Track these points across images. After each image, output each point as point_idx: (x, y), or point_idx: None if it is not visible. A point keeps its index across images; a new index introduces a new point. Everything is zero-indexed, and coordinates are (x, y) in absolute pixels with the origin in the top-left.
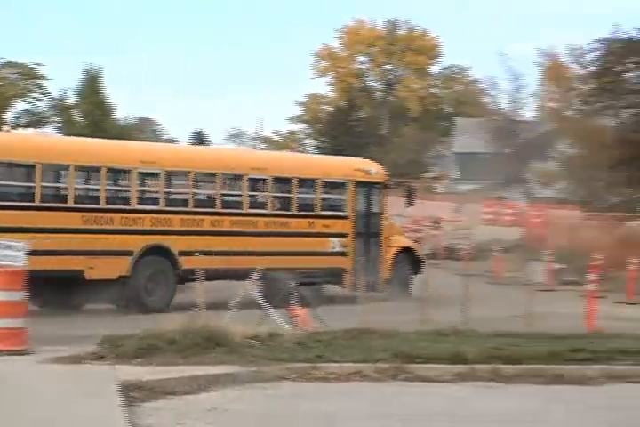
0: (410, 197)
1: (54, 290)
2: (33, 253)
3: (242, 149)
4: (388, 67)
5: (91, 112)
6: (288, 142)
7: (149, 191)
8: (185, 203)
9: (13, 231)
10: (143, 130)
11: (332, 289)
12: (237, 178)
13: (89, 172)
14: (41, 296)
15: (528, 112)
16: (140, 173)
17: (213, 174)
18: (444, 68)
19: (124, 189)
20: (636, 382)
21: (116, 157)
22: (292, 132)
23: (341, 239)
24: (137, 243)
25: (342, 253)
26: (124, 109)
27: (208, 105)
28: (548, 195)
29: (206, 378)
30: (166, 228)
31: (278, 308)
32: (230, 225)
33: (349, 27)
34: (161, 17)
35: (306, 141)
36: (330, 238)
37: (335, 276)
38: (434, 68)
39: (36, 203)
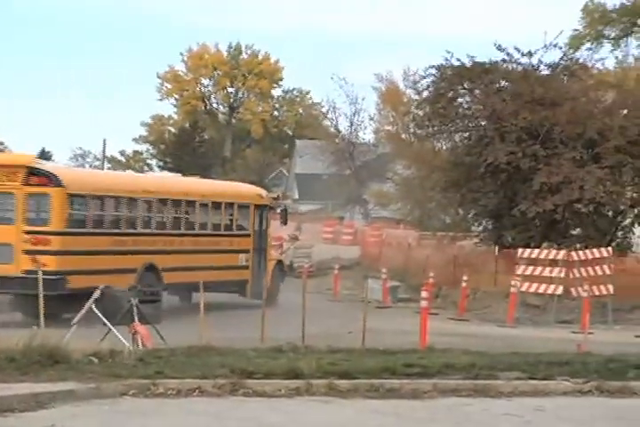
0: (284, 216)
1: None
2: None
3: (182, 177)
4: (231, 90)
5: None
6: (131, 162)
7: (146, 217)
8: (163, 226)
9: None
10: None
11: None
12: (191, 203)
13: (119, 201)
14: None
15: (366, 135)
16: (144, 201)
17: (180, 201)
18: (286, 92)
19: (132, 215)
20: (465, 396)
21: (129, 187)
22: (136, 153)
23: (246, 254)
24: (139, 261)
25: (246, 267)
26: None
27: (52, 124)
28: (386, 215)
29: (45, 395)
30: (154, 248)
31: (120, 325)
32: (190, 245)
33: (193, 51)
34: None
35: (150, 162)
36: (239, 254)
37: (240, 286)
38: (276, 92)
39: (89, 229)
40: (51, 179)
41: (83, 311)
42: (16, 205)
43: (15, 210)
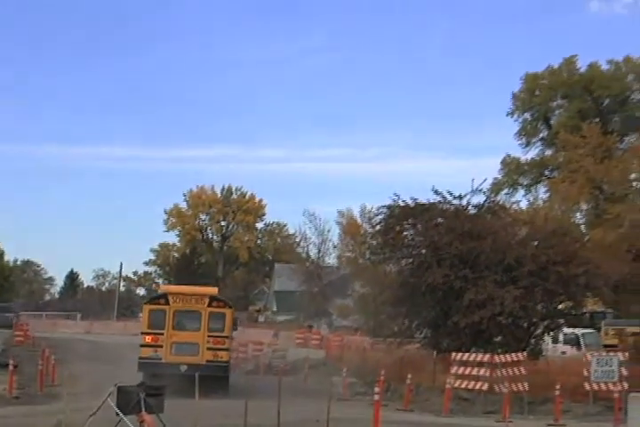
0: (235, 324)
1: None
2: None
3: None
4: (223, 223)
5: None
6: (142, 281)
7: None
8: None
9: None
10: (25, 270)
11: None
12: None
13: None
14: None
15: (331, 259)
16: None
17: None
18: (267, 225)
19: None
20: None
21: None
22: (146, 273)
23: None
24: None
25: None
26: (11, 253)
27: (79, 250)
28: (346, 324)
29: None
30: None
31: (130, 414)
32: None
33: (194, 192)
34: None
35: (158, 281)
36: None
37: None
38: (259, 225)
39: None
40: (226, 303)
41: (101, 404)
42: (202, 319)
43: (202, 322)
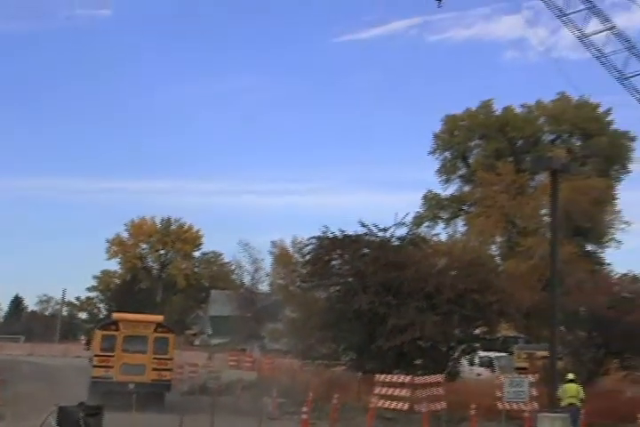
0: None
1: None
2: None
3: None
4: (162, 252)
5: None
6: (85, 306)
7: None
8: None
9: None
10: None
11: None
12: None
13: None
14: None
15: (264, 286)
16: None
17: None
18: (204, 254)
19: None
20: None
21: None
22: (89, 299)
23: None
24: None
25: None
26: None
27: (23, 276)
28: (277, 347)
29: None
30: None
31: None
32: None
33: (135, 222)
34: None
35: (100, 305)
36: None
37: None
38: (196, 254)
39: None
40: (170, 329)
41: (42, 423)
42: (149, 343)
43: (148, 345)
